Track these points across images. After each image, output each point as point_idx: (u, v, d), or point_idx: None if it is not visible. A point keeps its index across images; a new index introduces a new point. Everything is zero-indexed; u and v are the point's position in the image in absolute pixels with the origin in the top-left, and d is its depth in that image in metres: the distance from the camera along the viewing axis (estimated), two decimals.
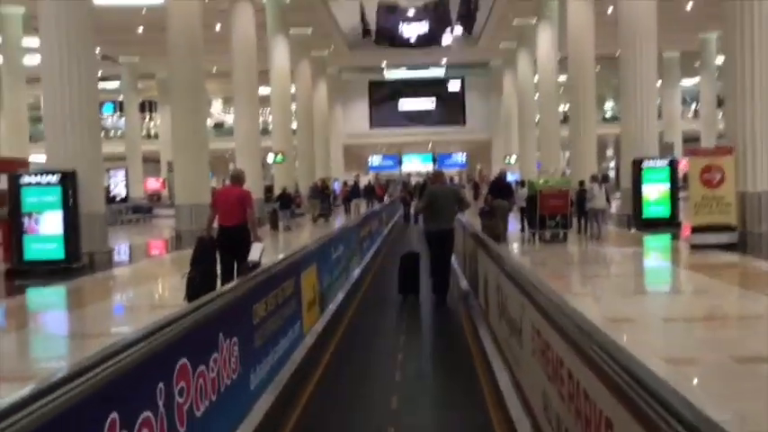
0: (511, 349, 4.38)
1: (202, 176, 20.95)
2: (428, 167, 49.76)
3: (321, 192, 28.45)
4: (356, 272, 11.18)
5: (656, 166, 19.38)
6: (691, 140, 44.80)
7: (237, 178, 8.70)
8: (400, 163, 47.55)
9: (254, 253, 7.43)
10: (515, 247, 15.75)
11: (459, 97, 53.37)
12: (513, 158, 43.13)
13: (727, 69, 13.94)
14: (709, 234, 13.22)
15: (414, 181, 48.27)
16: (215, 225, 8.28)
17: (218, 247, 7.98)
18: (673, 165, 19.57)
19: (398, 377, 5.83)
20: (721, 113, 44.74)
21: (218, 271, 7.85)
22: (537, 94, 36.48)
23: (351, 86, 52.28)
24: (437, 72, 53.20)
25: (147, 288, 11.87)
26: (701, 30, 39.74)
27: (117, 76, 44.92)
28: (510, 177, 35.14)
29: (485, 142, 51.98)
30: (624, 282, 10.92)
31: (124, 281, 13.01)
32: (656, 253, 15.13)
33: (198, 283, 7.24)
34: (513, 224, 18.16)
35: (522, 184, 21.61)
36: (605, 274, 12.15)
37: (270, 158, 31.22)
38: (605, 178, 38.71)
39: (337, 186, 43.06)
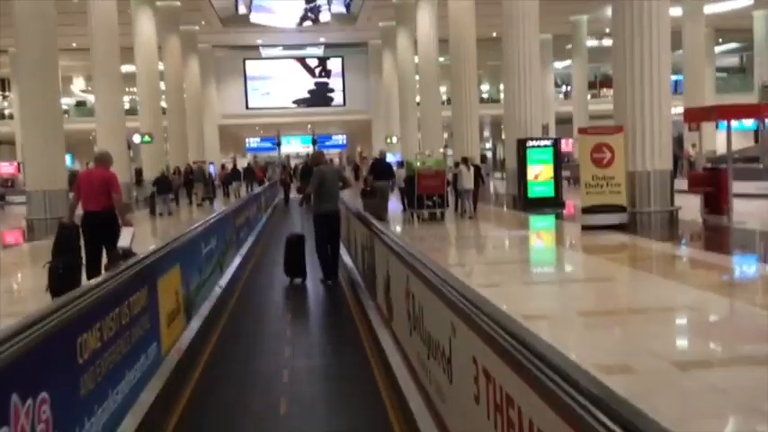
0: (431, 376, 3.41)
1: (57, 159, 18.88)
2: (308, 149, 48.48)
3: (190, 175, 26.84)
4: (234, 264, 9.90)
5: (540, 146, 19.25)
6: (563, 122, 46.05)
7: (102, 159, 8.17)
8: (279, 144, 45.92)
9: (124, 239, 6.98)
10: (397, 226, 15.59)
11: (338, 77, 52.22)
12: (395, 139, 42.61)
13: (617, 49, 13.63)
14: (600, 215, 12.92)
15: (293, 163, 46.93)
16: (79, 211, 7.78)
17: (84, 234, 7.49)
18: (556, 144, 19.50)
19: (283, 406, 4.77)
20: (590, 95, 46.40)
21: (84, 261, 7.33)
22: (417, 76, 36.03)
23: (225, 65, 49.92)
24: (315, 52, 51.81)
25: None
26: (572, 12, 40.61)
27: None
28: (391, 158, 34.83)
29: (365, 123, 51.19)
30: (519, 267, 10.30)
31: None
32: (547, 234, 14.74)
33: (61, 275, 6.75)
34: (394, 203, 18.53)
35: (401, 165, 21.93)
36: (500, 258, 11.52)
37: (136, 139, 28.93)
38: (483, 159, 39.05)
39: (213, 169, 41.05)
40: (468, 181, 16.95)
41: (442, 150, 23.44)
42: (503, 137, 55.59)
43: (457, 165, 18.88)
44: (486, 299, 2.53)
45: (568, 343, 5.35)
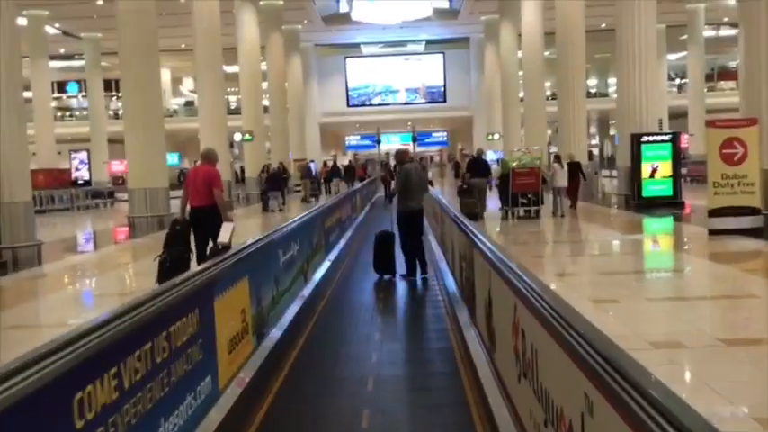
0: None
1: (158, 158, 18.94)
2: (408, 146, 47.77)
3: (280, 175, 26.49)
4: (321, 271, 9.08)
5: (656, 141, 17.78)
6: (676, 116, 43.31)
7: (207, 157, 8.51)
8: (379, 142, 45.47)
9: (224, 234, 7.27)
10: (493, 226, 15.35)
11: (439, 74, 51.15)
12: (497, 136, 41.35)
13: (745, 33, 12.16)
14: (730, 218, 11.51)
15: (393, 161, 46.45)
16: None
17: (193, 228, 7.89)
18: (675, 139, 17.94)
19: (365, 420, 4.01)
20: (706, 88, 43.33)
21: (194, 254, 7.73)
22: (521, 71, 34.69)
23: (327, 64, 49.94)
24: (416, 48, 51.12)
25: (57, 298, 9.57)
26: (688, 1, 38.07)
27: (81, 53, 42.47)
28: (493, 156, 33.73)
29: (466, 119, 50.06)
30: (637, 279, 9.11)
31: (39, 285, 10.56)
32: (666, 239, 13.32)
33: (168, 267, 7.02)
34: (495, 202, 18.42)
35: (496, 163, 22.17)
36: (613, 267, 10.36)
37: (237, 137, 29.11)
38: (590, 156, 37.30)
39: (314, 167, 41.20)
40: (561, 179, 16.80)
41: (537, 147, 21.98)
42: (610, 132, 53.29)
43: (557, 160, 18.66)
44: (654, 379, 1.60)
45: (717, 383, 4.33)
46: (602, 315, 6.06)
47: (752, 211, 11.50)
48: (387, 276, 9.27)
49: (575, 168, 18.29)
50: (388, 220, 10.67)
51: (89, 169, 40.83)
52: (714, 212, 11.60)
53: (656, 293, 7.55)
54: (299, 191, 30.71)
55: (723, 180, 11.47)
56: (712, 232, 11.49)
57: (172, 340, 3.05)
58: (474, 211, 15.24)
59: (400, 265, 9.30)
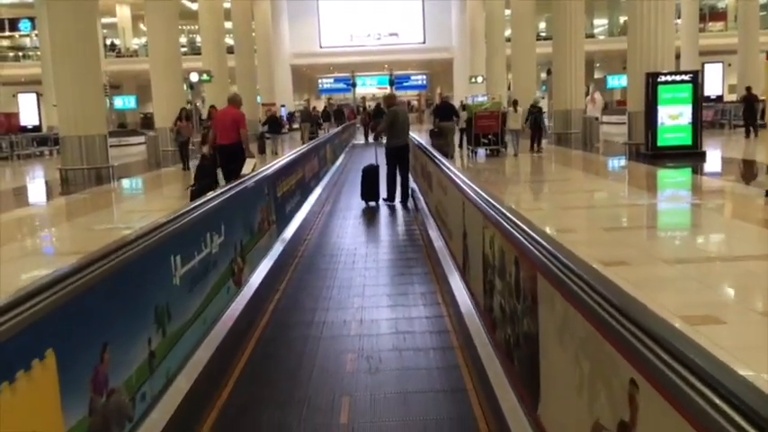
0: None
1: (94, 99, 16.17)
2: (384, 90, 44.86)
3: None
4: (265, 265, 5.71)
5: (675, 82, 15.36)
6: None
7: (234, 101, 9.76)
8: (354, 85, 42.53)
9: (247, 167, 8.09)
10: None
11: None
12: (480, 79, 38.63)
13: None
14: None
15: (369, 105, 43.79)
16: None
17: (219, 163, 9.22)
18: (696, 79, 15.52)
19: None
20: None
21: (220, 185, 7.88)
22: (508, 10, 31.86)
23: (297, 1, 46.29)
24: None
25: None
26: None
27: None
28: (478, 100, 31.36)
29: (447, 62, 47.05)
30: (730, 278, 6.61)
31: None
32: (716, 203, 10.51)
33: (198, 196, 7.09)
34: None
35: (463, 107, 23.50)
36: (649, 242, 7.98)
37: (194, 77, 26.12)
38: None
39: (284, 112, 38.41)
40: (514, 122, 18.58)
41: (499, 94, 21.05)
42: (595, 76, 50.60)
43: (533, 106, 19.78)
44: None
45: None
46: (711, 346, 3.63)
47: None
48: (372, 203, 10.53)
49: (537, 113, 19.26)
50: (369, 161, 11.21)
51: (39, 113, 37.43)
52: None
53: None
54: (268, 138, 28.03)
55: None
56: None
57: None
58: (444, 150, 15.70)
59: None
